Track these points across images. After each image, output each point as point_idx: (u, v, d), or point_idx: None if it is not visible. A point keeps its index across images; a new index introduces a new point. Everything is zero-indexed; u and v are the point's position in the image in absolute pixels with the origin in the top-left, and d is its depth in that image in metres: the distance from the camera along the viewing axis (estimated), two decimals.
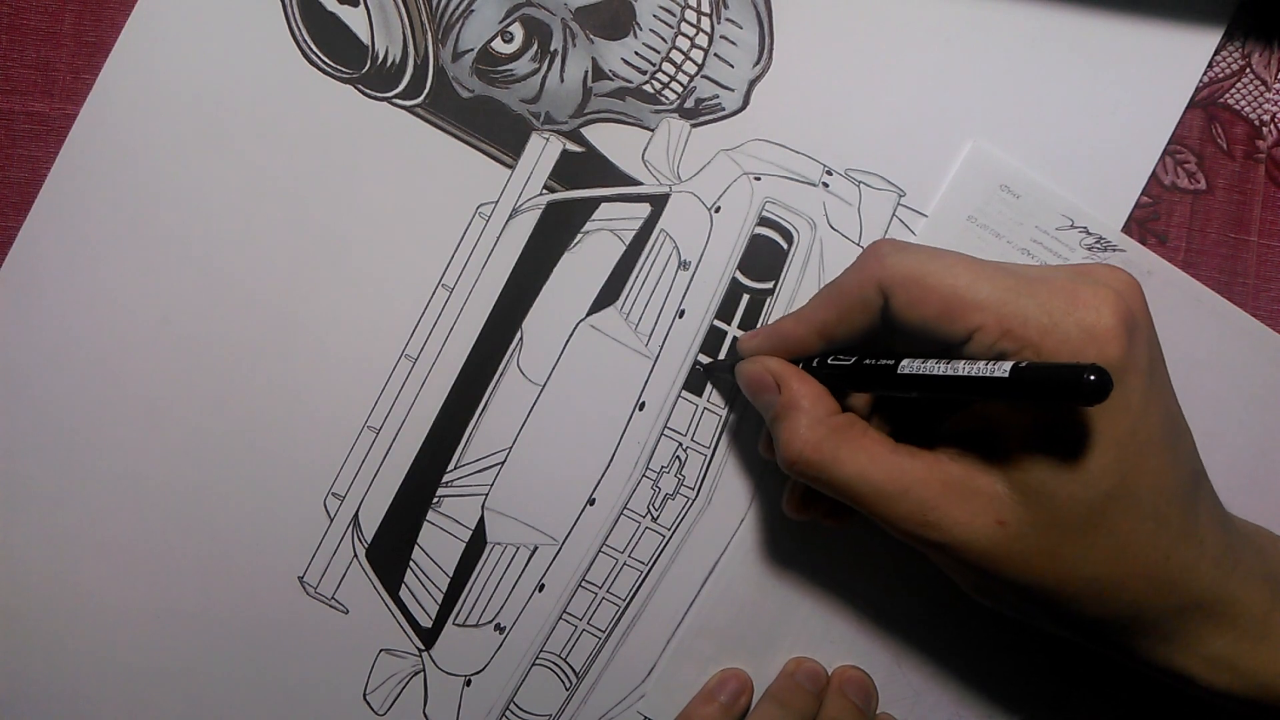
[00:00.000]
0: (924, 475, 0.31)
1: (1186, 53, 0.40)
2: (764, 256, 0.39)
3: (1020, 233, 0.39)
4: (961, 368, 0.29)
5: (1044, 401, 0.29)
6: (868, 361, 0.32)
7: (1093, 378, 0.25)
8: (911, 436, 0.32)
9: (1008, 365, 0.27)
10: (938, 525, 0.30)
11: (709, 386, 0.39)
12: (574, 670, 0.40)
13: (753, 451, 0.39)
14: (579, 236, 0.40)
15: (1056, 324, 0.28)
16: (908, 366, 0.30)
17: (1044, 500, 0.29)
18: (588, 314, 0.40)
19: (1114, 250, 0.39)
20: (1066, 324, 0.28)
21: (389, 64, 0.39)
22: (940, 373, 0.29)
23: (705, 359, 0.39)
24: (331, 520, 0.40)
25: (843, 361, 0.33)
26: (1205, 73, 0.40)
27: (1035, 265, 0.32)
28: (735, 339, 0.39)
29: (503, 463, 0.40)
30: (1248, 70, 0.40)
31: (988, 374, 0.28)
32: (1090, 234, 0.39)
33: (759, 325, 0.39)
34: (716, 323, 0.39)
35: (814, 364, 0.34)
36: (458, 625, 0.40)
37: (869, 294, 0.32)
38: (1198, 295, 0.39)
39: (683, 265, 0.39)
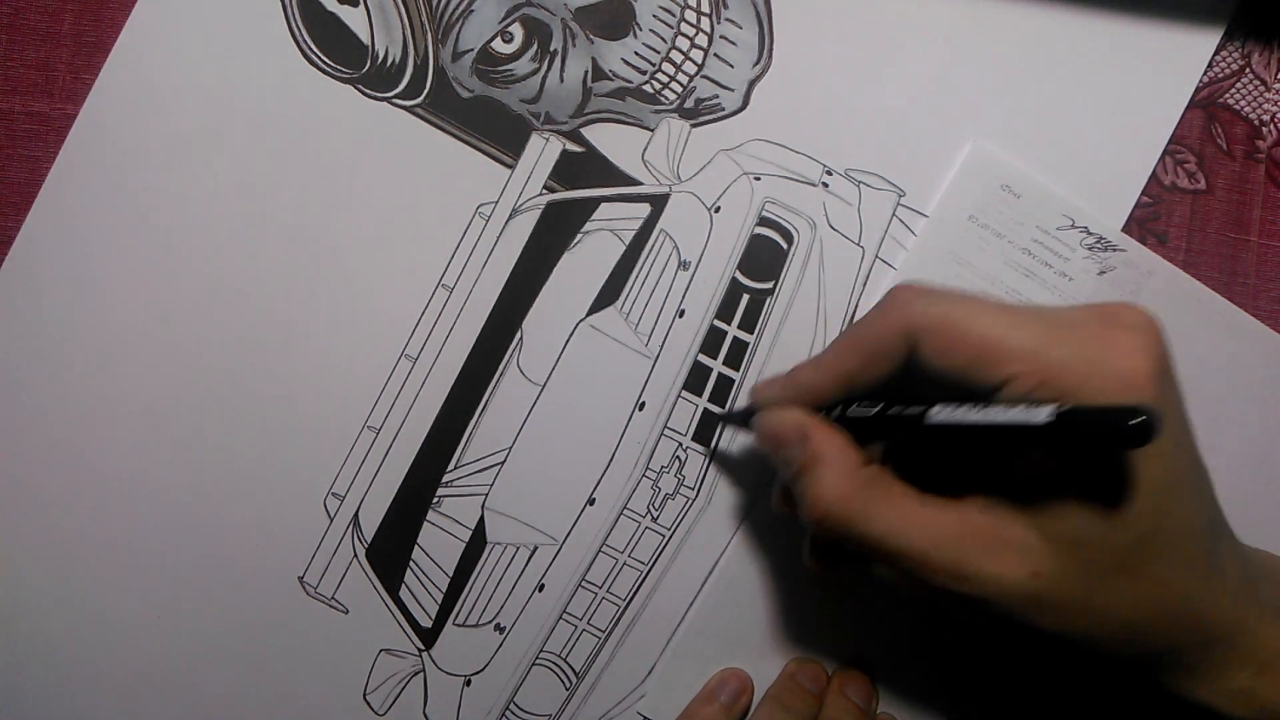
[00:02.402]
0: (955, 528, 0.30)
1: (1186, 53, 0.40)
2: (764, 256, 0.39)
3: (1021, 232, 0.39)
4: (999, 414, 0.27)
5: (1087, 447, 0.28)
6: (893, 411, 0.31)
7: (1141, 420, 0.25)
8: (931, 484, 0.32)
9: (1045, 410, 0.27)
10: (972, 579, 0.30)
11: (709, 385, 0.39)
12: (574, 670, 0.40)
13: (753, 451, 0.39)
14: (579, 236, 0.40)
15: (1095, 371, 0.28)
16: (939, 414, 0.29)
17: (1078, 548, 0.29)
18: (588, 314, 0.40)
19: (1114, 250, 0.39)
20: (1105, 370, 0.28)
21: (389, 64, 0.39)
22: (977, 420, 0.28)
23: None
24: (331, 520, 0.40)
25: (866, 411, 0.32)
26: (1205, 73, 0.40)
27: (1060, 307, 0.31)
28: (753, 385, 0.37)
29: (503, 463, 0.40)
30: (1248, 70, 0.40)
31: (1028, 421, 0.27)
32: (1091, 234, 0.39)
33: (757, 327, 0.39)
34: (716, 323, 0.39)
35: (833, 414, 0.33)
36: (458, 625, 0.40)
37: (894, 342, 0.31)
38: (1198, 295, 0.39)
39: (683, 265, 0.39)
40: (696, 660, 0.40)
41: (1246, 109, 0.40)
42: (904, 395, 0.31)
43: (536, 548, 0.40)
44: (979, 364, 0.29)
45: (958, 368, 0.30)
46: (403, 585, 0.40)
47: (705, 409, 0.39)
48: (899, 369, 0.31)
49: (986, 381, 0.29)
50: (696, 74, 0.39)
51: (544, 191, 0.39)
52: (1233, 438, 0.39)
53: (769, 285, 0.40)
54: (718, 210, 0.39)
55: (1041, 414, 0.27)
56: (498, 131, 0.39)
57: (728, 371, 0.39)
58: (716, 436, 0.39)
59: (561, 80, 0.39)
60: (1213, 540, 0.31)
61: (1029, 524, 0.30)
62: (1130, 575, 0.29)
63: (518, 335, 0.39)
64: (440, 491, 0.40)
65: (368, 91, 0.39)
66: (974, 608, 0.31)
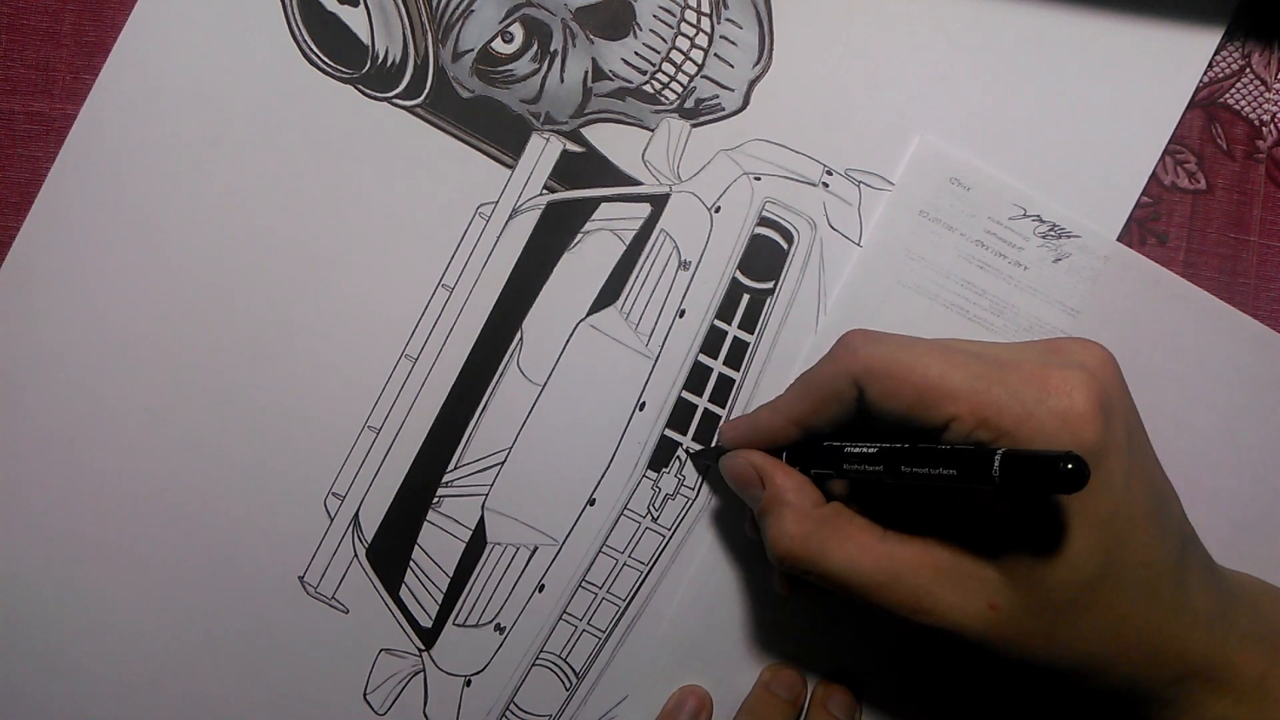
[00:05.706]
0: (914, 562, 0.31)
1: (1186, 53, 0.40)
2: (764, 256, 0.39)
3: (973, 225, 0.39)
4: (941, 471, 0.28)
5: (1025, 490, 0.28)
6: (852, 470, 0.32)
7: (1070, 466, 0.25)
8: (897, 519, 0.32)
9: (995, 458, 0.27)
10: (931, 610, 0.30)
11: (709, 386, 0.39)
12: (574, 670, 0.40)
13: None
14: (579, 236, 0.40)
15: (1030, 412, 0.28)
16: (893, 470, 0.30)
17: (1033, 584, 0.29)
18: (588, 314, 0.40)
19: (1068, 237, 0.39)
20: (1040, 412, 0.28)
21: (389, 64, 0.39)
22: (926, 472, 0.29)
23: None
24: (331, 520, 0.40)
25: (825, 473, 0.33)
26: (1205, 73, 0.40)
27: (1008, 345, 0.32)
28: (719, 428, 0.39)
29: (503, 463, 0.40)
30: (1248, 70, 0.40)
31: (967, 482, 0.28)
32: (1043, 222, 0.39)
33: (758, 327, 0.39)
34: (717, 323, 0.39)
35: (791, 459, 0.34)
36: (458, 625, 0.40)
37: (843, 387, 0.32)
38: (1155, 277, 0.39)
39: (683, 265, 0.39)
40: (669, 668, 0.39)
41: (1246, 109, 0.40)
42: (866, 433, 0.32)
43: (536, 548, 0.40)
44: (921, 406, 0.30)
45: (902, 410, 0.30)
46: (403, 585, 0.40)
47: (705, 409, 0.40)
48: (851, 411, 0.32)
49: (929, 422, 0.30)
50: (697, 74, 0.39)
51: (544, 191, 0.39)
52: (1199, 416, 0.39)
53: (769, 285, 0.40)
54: (718, 210, 0.39)
55: (982, 464, 0.27)
56: (498, 131, 0.39)
57: (728, 371, 0.39)
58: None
59: (562, 80, 0.39)
60: (1180, 570, 0.30)
61: (986, 558, 0.30)
62: (1090, 610, 0.29)
63: (518, 335, 0.39)
64: (440, 491, 0.40)
65: (368, 91, 0.39)
66: (939, 639, 0.31)
